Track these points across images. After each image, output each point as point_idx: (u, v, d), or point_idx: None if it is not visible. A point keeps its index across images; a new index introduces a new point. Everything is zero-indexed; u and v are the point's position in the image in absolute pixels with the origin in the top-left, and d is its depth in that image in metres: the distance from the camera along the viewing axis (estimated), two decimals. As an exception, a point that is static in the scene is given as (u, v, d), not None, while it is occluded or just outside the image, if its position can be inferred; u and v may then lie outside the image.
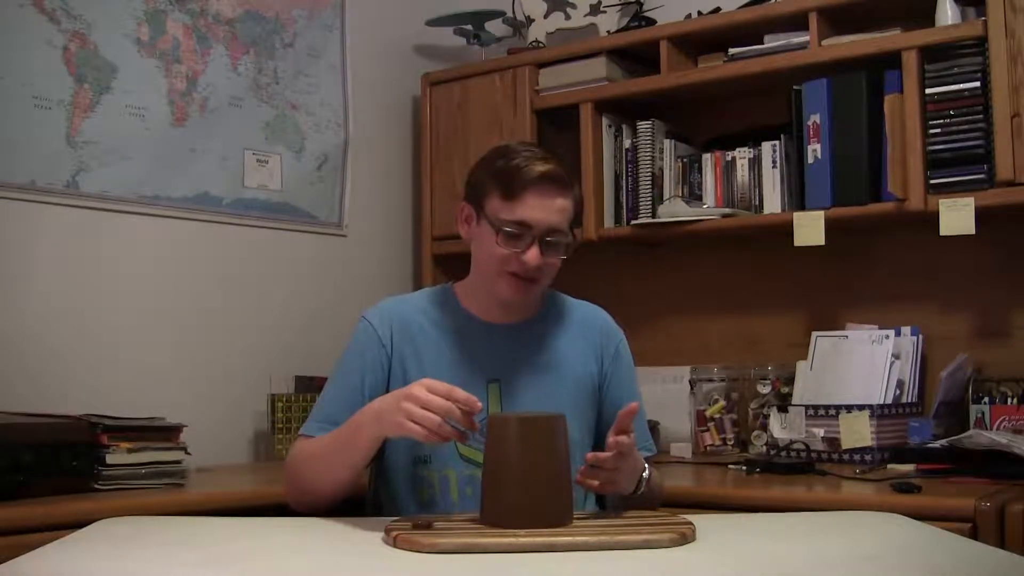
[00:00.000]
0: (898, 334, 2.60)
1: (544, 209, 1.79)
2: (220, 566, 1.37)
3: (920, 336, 2.61)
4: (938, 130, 2.44)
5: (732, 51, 2.76)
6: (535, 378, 1.88)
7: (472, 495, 1.79)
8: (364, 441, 1.69)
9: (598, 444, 1.88)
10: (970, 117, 2.41)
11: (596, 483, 1.63)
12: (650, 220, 2.84)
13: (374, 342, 1.88)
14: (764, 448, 2.62)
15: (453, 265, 2.84)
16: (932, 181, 2.45)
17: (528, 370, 1.88)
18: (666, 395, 2.77)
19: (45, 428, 2.09)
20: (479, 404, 1.59)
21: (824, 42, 2.62)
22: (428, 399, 1.56)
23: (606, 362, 1.95)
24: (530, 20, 3.21)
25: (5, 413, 2.17)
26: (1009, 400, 2.42)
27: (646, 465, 1.77)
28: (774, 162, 2.72)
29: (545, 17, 3.19)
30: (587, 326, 1.97)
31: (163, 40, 2.73)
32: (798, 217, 2.60)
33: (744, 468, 2.42)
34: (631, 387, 1.98)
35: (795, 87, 2.65)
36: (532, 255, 1.80)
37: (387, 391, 1.87)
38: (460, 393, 1.58)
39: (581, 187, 1.91)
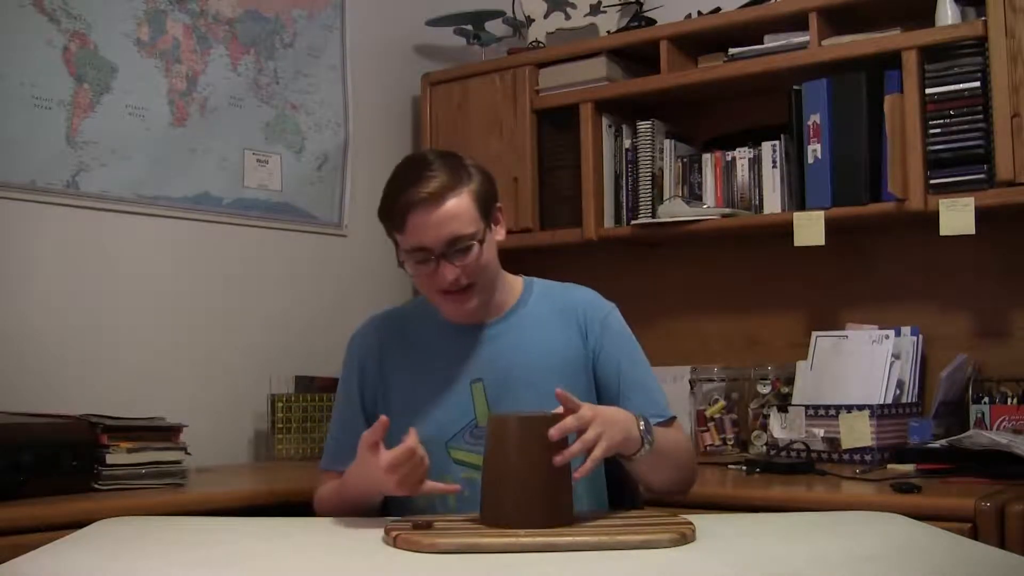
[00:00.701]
0: (898, 334, 2.60)
1: (430, 228, 1.77)
2: (220, 566, 1.37)
3: (920, 336, 2.61)
4: (938, 130, 2.44)
5: (732, 51, 2.76)
6: (517, 371, 1.86)
7: (469, 497, 1.79)
8: (371, 500, 1.78)
9: None
10: (970, 117, 2.41)
11: (577, 448, 1.55)
12: (650, 220, 2.84)
13: (364, 357, 1.92)
14: (764, 448, 2.62)
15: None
16: (932, 181, 2.45)
17: (509, 364, 1.87)
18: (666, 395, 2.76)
19: (45, 428, 2.09)
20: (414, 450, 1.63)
21: (824, 42, 2.62)
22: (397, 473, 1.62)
23: (592, 337, 1.90)
24: (530, 20, 3.21)
25: (5, 413, 2.17)
26: (1009, 400, 2.42)
27: (641, 419, 1.68)
28: (774, 162, 2.72)
29: (545, 17, 3.19)
30: (569, 307, 1.93)
31: (163, 40, 2.73)
32: (798, 217, 2.60)
33: (744, 468, 2.42)
34: (628, 352, 1.92)
35: (795, 87, 2.65)
36: (442, 273, 1.79)
37: (383, 402, 1.89)
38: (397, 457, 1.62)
39: (483, 176, 1.85)
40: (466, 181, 1.81)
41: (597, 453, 1.56)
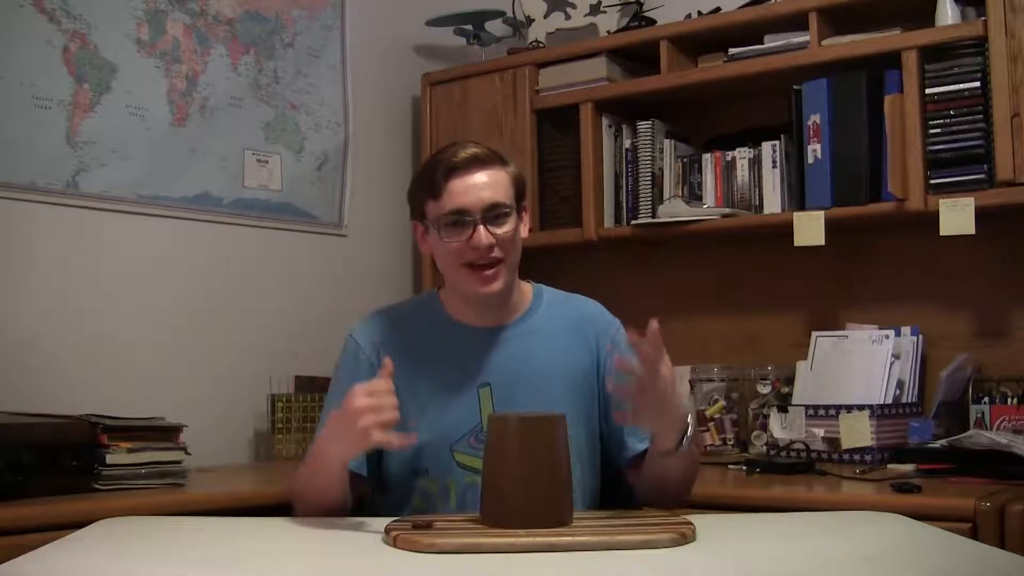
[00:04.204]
0: (898, 334, 2.60)
1: (472, 190, 1.77)
2: (220, 566, 1.37)
3: (920, 336, 2.61)
4: (938, 130, 2.45)
5: (732, 51, 2.76)
6: (525, 378, 1.84)
7: (473, 500, 1.77)
8: (334, 471, 1.68)
9: (601, 439, 1.89)
10: (970, 117, 2.41)
11: (636, 404, 1.58)
12: (650, 220, 2.84)
13: (361, 361, 1.87)
14: (764, 448, 2.62)
15: (453, 265, 2.83)
16: (932, 181, 2.45)
17: (518, 371, 1.85)
18: (666, 395, 2.76)
19: (45, 428, 2.09)
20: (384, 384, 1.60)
21: (824, 42, 2.62)
22: (371, 403, 1.57)
23: (602, 353, 1.90)
24: (530, 20, 3.21)
25: (5, 413, 2.17)
26: (1009, 400, 2.42)
27: (690, 421, 1.71)
28: (774, 162, 2.72)
29: (545, 17, 3.19)
30: (578, 319, 1.93)
31: (163, 40, 2.73)
32: (798, 217, 2.60)
33: (744, 468, 2.42)
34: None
35: (795, 87, 2.65)
36: (478, 236, 1.77)
37: None
38: (376, 385, 1.59)
39: (517, 167, 1.88)
40: (504, 162, 1.84)
41: (663, 372, 1.59)
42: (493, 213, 1.78)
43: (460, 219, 1.77)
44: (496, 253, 1.79)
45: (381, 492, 1.90)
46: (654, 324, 1.58)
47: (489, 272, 1.80)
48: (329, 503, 1.73)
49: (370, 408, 1.56)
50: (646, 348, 1.58)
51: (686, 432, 1.69)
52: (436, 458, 1.79)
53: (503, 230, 1.79)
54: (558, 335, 1.90)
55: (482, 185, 1.78)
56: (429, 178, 1.80)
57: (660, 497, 1.83)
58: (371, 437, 1.56)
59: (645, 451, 1.81)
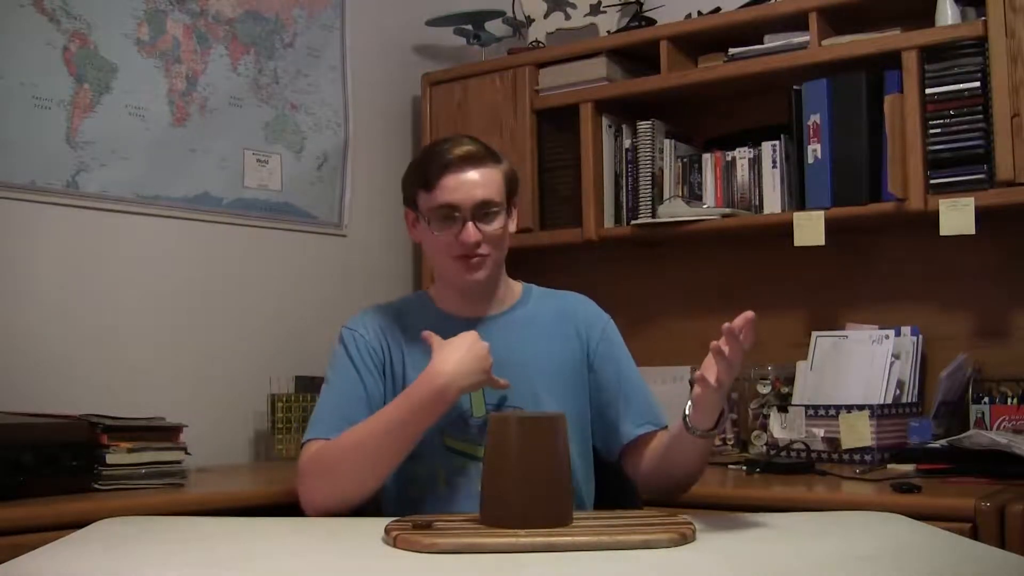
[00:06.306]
0: (898, 334, 2.60)
1: (465, 187, 1.82)
2: (220, 566, 1.37)
3: (920, 336, 2.61)
4: (938, 130, 2.45)
5: (732, 51, 2.76)
6: (513, 366, 1.86)
7: (463, 484, 1.81)
8: (442, 407, 1.75)
9: (592, 430, 1.91)
10: (970, 117, 2.41)
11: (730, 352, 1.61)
12: (650, 220, 2.84)
13: (365, 347, 1.90)
14: (764, 448, 2.62)
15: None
16: (932, 181, 2.45)
17: (506, 359, 1.86)
18: (666, 395, 2.76)
19: (45, 428, 2.08)
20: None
21: (824, 42, 2.62)
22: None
23: (592, 344, 1.93)
24: (530, 20, 3.21)
25: (5, 413, 2.17)
26: (1009, 400, 2.42)
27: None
28: (774, 162, 2.72)
29: (545, 17, 3.19)
30: (567, 313, 1.97)
31: (163, 40, 2.73)
32: (798, 217, 2.60)
33: (744, 468, 2.42)
34: (627, 360, 1.96)
35: (795, 87, 2.65)
36: (467, 233, 1.82)
37: (384, 394, 1.87)
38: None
39: (510, 164, 1.93)
40: (498, 160, 1.89)
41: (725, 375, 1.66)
42: (483, 211, 1.83)
43: (450, 214, 1.83)
44: (483, 249, 1.84)
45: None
46: (750, 314, 1.64)
47: (475, 261, 1.85)
48: (393, 464, 1.77)
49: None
50: (744, 335, 1.62)
51: (722, 417, 1.72)
52: (426, 442, 1.81)
53: (492, 227, 1.85)
54: (547, 326, 1.94)
55: (474, 183, 1.83)
56: (423, 169, 1.86)
57: (667, 480, 1.84)
58: (489, 376, 1.77)
59: (639, 438, 1.86)
